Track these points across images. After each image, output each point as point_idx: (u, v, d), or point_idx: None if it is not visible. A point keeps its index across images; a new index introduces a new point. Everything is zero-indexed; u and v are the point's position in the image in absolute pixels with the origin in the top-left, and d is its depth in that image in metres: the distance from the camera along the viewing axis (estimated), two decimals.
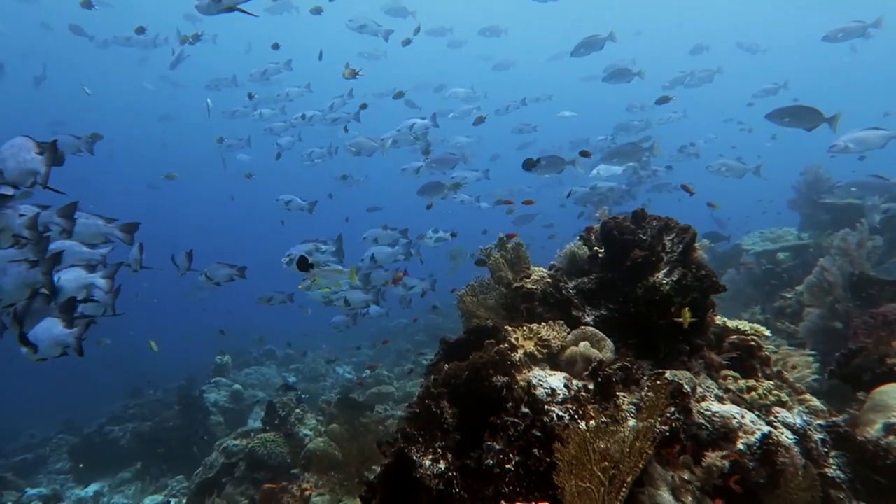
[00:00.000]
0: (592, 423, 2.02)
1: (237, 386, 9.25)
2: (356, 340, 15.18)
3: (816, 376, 3.39)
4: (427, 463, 2.56)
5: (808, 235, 8.44)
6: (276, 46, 8.45)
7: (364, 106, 7.93)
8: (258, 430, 5.78)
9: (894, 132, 6.05)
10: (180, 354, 14.45)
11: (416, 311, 9.88)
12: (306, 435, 5.57)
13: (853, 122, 6.12)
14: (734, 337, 3.05)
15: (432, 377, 2.93)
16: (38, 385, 14.33)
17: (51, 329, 3.26)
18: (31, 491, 7.39)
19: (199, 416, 8.07)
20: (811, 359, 3.43)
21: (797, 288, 5.83)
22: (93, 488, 7.64)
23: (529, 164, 6.11)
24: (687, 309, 2.66)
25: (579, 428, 2.04)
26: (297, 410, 5.84)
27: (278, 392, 9.76)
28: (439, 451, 2.63)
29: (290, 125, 8.87)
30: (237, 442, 5.54)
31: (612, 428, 1.99)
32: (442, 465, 2.58)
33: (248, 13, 3.59)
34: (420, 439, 2.62)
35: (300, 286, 5.82)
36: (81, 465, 8.03)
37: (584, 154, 6.44)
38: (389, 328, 14.87)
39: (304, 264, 4.56)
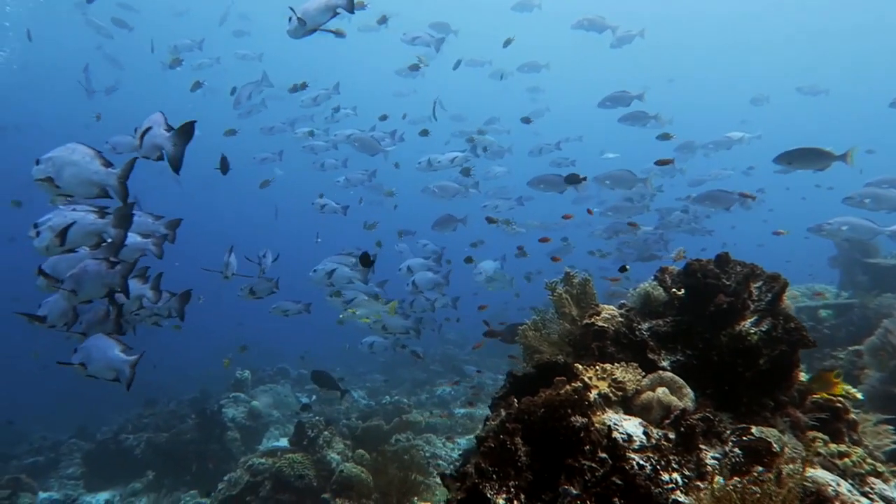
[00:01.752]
0: (717, 484, 1.89)
1: (255, 403, 9.10)
2: (368, 365, 14.98)
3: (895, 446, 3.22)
4: (501, 502, 2.45)
5: (848, 294, 8.27)
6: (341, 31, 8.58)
7: (425, 132, 8.05)
8: (286, 449, 5.64)
9: None
10: (189, 364, 14.33)
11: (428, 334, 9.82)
12: (334, 459, 5.41)
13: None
14: (817, 396, 2.91)
15: (503, 411, 2.82)
16: (45, 388, 14.23)
17: (105, 350, 3.16)
18: (43, 495, 7.25)
19: (216, 430, 7.91)
20: (890, 427, 3.27)
21: (850, 347, 5.65)
22: (103, 497, 7.48)
23: (573, 180, 6.14)
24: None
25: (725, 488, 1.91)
26: (326, 433, 5.69)
27: (296, 414, 9.59)
28: (513, 490, 2.51)
29: (333, 145, 8.94)
30: (263, 460, 5.40)
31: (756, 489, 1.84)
32: None
33: (333, 32, 3.66)
34: (494, 476, 2.51)
35: (342, 316, 5.74)
36: (96, 472, 7.88)
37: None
38: (404, 355, 14.60)
39: (366, 260, 4.50)
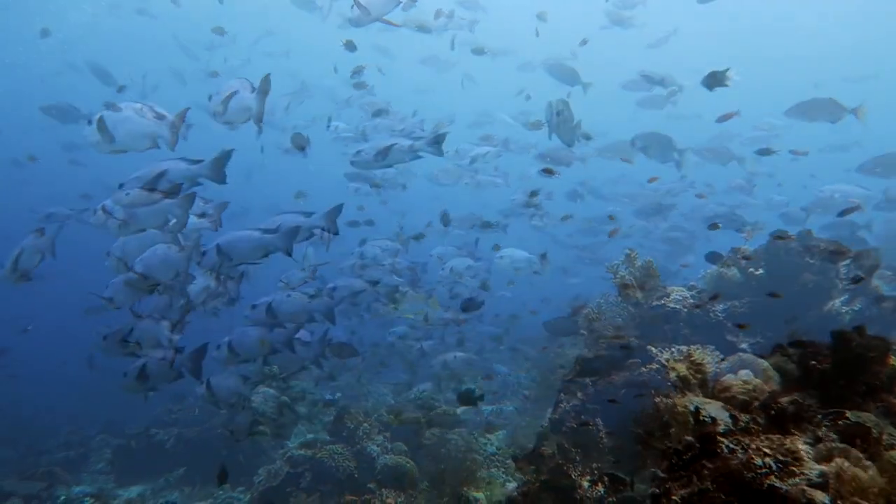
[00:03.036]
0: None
1: (284, 398, 9.02)
2: (388, 360, 14.81)
3: None
4: (585, 484, 2.34)
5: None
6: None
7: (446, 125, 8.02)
8: (325, 441, 5.56)
9: None
10: (209, 362, 14.26)
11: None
12: (374, 451, 5.32)
13: None
14: None
15: (579, 393, 2.71)
16: (66, 385, 14.28)
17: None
18: (76, 489, 7.25)
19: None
20: None
21: None
22: (135, 490, 7.46)
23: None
24: None
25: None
26: (365, 425, 5.61)
27: (321, 410, 9.50)
28: (596, 472, 2.40)
29: (363, 137, 8.88)
30: (302, 451, 5.33)
31: None
32: (601, 489, 2.35)
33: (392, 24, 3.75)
34: (577, 457, 2.40)
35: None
36: (126, 466, 7.87)
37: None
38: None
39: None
